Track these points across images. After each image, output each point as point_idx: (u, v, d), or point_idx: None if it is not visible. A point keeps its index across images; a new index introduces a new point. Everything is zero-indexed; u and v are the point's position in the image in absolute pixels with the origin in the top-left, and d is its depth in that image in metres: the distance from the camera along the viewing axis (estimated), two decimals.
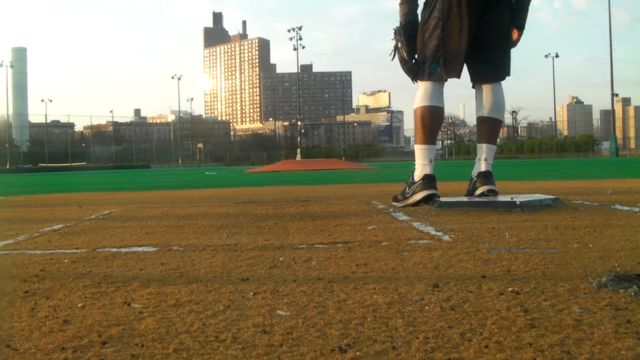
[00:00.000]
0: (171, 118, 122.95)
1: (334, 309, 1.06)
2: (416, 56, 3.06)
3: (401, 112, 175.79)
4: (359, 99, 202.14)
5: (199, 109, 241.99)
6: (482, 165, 3.15)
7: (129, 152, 69.39)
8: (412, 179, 3.06)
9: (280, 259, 1.61)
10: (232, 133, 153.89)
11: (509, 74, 3.12)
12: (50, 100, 67.79)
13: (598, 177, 7.45)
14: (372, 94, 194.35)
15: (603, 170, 10.60)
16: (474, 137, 21.50)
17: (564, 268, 1.38)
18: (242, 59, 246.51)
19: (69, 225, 2.60)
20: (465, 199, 3.05)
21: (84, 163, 51.03)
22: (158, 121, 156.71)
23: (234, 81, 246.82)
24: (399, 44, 3.06)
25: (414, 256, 1.59)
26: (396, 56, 3.10)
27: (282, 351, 0.84)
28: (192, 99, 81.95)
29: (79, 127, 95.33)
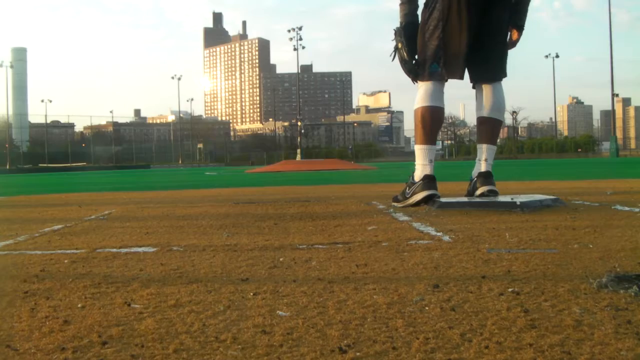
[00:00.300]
0: (171, 118, 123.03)
1: (334, 310, 1.06)
2: (416, 57, 3.07)
3: (401, 113, 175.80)
4: (359, 99, 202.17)
5: (199, 109, 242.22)
6: (482, 166, 3.15)
7: (129, 152, 69.37)
8: (413, 179, 3.06)
9: (281, 259, 1.60)
10: (232, 133, 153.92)
11: (505, 75, 3.13)
12: (50, 101, 67.88)
13: (598, 177, 7.45)
14: (372, 94, 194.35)
15: (603, 171, 10.60)
16: (474, 138, 21.51)
17: (564, 268, 1.38)
18: (242, 59, 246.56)
19: (69, 226, 2.60)
20: (465, 199, 3.04)
21: (84, 163, 51.04)
22: (158, 121, 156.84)
23: (234, 81, 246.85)
24: (400, 45, 3.06)
25: (414, 256, 1.59)
26: (396, 57, 3.11)
27: (282, 351, 0.84)
28: (192, 99, 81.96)
29: (79, 128, 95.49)
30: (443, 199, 2.95)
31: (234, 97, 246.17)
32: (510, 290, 1.17)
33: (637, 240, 1.76)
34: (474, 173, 3.22)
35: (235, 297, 1.18)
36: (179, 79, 70.00)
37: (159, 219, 2.85)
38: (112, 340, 0.91)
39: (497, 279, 1.27)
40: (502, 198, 2.91)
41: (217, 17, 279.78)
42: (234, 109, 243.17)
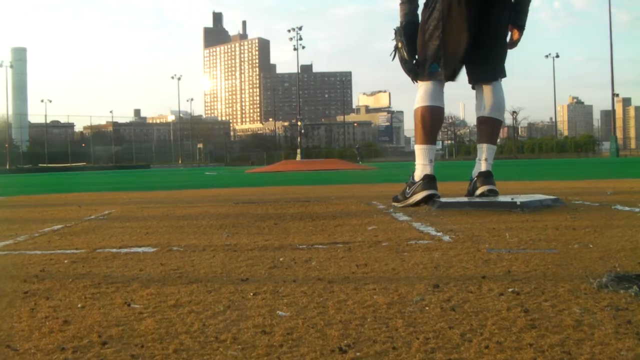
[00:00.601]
0: (171, 118, 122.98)
1: (334, 310, 1.06)
2: (417, 56, 3.07)
3: (401, 112, 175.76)
4: (359, 99, 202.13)
5: (199, 109, 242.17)
6: (482, 165, 3.15)
7: (128, 152, 69.35)
8: (413, 179, 3.06)
9: (281, 259, 1.60)
10: (232, 133, 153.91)
11: (505, 75, 3.14)
12: (50, 101, 67.88)
13: (598, 177, 7.45)
14: (372, 94, 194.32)
15: (603, 171, 10.60)
16: (474, 137, 21.51)
17: (564, 268, 1.38)
18: (242, 59, 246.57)
19: (69, 226, 2.60)
20: (465, 199, 3.04)
21: (84, 163, 51.01)
22: (158, 121, 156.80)
23: (234, 81, 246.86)
24: (400, 44, 3.07)
25: (414, 256, 1.59)
26: (396, 56, 3.11)
27: (282, 352, 0.84)
28: (192, 99, 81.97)
29: (78, 127, 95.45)
30: (443, 199, 2.95)
31: (234, 97, 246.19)
32: (510, 290, 1.17)
33: (638, 240, 1.76)
34: (474, 173, 3.22)
35: (235, 297, 1.18)
36: (179, 79, 70.01)
37: (159, 219, 2.85)
38: (112, 340, 0.91)
39: (497, 279, 1.27)
40: (502, 198, 2.91)
41: (217, 17, 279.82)
42: (234, 109, 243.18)
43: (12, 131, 68.03)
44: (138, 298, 1.19)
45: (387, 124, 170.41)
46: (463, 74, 3.08)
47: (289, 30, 54.93)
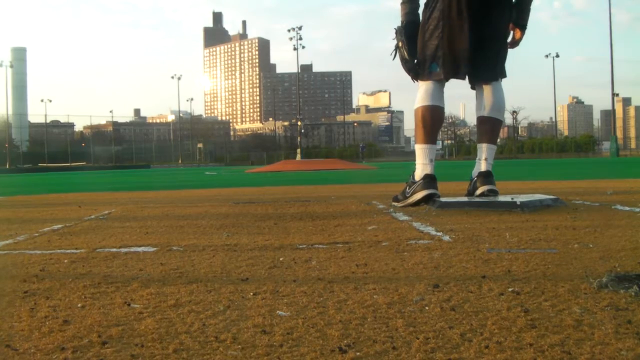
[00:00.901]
0: (171, 118, 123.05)
1: (334, 309, 1.06)
2: (417, 56, 3.07)
3: (401, 112, 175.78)
4: (359, 99, 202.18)
5: (199, 109, 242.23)
6: (482, 165, 3.15)
7: (128, 152, 69.32)
8: (413, 178, 3.06)
9: (281, 259, 1.60)
10: (232, 133, 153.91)
11: (505, 75, 3.14)
12: (50, 100, 67.83)
13: (599, 177, 7.45)
14: (372, 94, 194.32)
15: (603, 171, 10.60)
16: (474, 137, 21.50)
17: (564, 268, 1.38)
18: (242, 59, 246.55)
19: (69, 226, 2.60)
20: (465, 199, 3.04)
21: (84, 163, 50.98)
22: (158, 121, 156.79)
23: (234, 81, 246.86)
24: (400, 44, 3.07)
25: (414, 256, 1.59)
26: (397, 55, 3.11)
27: (282, 351, 0.84)
28: (192, 99, 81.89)
29: (78, 127, 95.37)
30: (443, 199, 2.95)
31: (234, 96, 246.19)
32: (510, 290, 1.17)
33: (638, 240, 1.76)
34: (474, 172, 3.22)
35: (235, 297, 1.18)
36: (179, 78, 69.97)
37: (159, 218, 2.85)
38: (112, 340, 0.91)
39: (497, 279, 1.27)
40: (502, 198, 2.91)
41: (217, 17, 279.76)
42: (234, 108, 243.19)
43: (12, 131, 68.00)
44: (138, 298, 1.19)
45: (387, 123, 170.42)
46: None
47: (289, 30, 54.92)
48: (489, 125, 3.17)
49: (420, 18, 3.07)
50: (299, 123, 59.00)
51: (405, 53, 3.06)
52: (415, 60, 3.08)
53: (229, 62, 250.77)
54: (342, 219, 2.60)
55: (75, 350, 0.87)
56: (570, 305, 1.04)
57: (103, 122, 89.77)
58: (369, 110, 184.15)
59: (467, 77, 3.08)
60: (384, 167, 20.85)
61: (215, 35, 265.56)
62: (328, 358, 0.81)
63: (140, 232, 2.31)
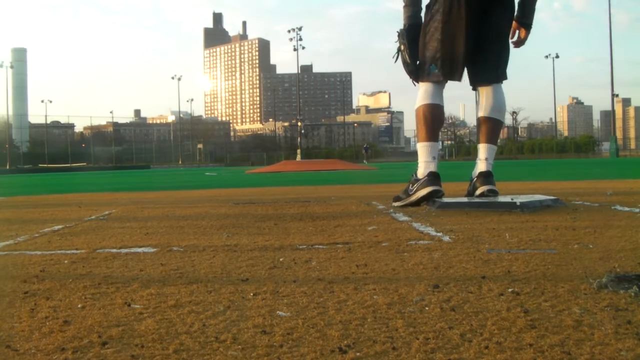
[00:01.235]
0: (171, 118, 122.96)
1: (334, 310, 1.06)
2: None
3: (401, 113, 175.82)
4: (359, 99, 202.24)
5: (199, 110, 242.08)
6: (482, 165, 3.15)
7: (129, 152, 69.35)
8: (416, 176, 3.05)
9: (281, 259, 1.60)
10: (232, 134, 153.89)
11: (506, 78, 3.15)
12: (50, 101, 67.95)
13: (598, 177, 7.44)
14: (372, 94, 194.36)
15: (603, 171, 10.60)
16: (474, 138, 21.53)
17: (564, 269, 1.38)
18: (242, 60, 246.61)
19: (69, 226, 2.60)
20: (465, 199, 3.04)
21: (84, 163, 51.00)
22: (158, 122, 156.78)
23: (234, 82, 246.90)
24: (402, 47, 3.10)
25: (414, 257, 1.59)
26: (399, 58, 3.14)
27: (282, 352, 0.84)
28: (192, 100, 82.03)
29: (79, 128, 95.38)
30: (443, 200, 2.95)
31: (234, 97, 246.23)
32: (510, 290, 1.17)
33: (637, 240, 1.76)
34: (474, 173, 3.23)
35: (235, 297, 1.18)
36: (179, 79, 70.01)
37: (159, 219, 2.85)
38: (112, 340, 0.91)
39: (497, 279, 1.27)
40: (502, 198, 2.91)
41: (217, 18, 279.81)
42: (234, 109, 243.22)
43: (12, 131, 67.98)
44: (138, 298, 1.19)
45: (387, 124, 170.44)
46: (464, 77, 3.09)
47: (289, 31, 54.96)
48: (489, 126, 3.17)
49: (422, 21, 3.09)
50: (299, 124, 58.98)
51: (407, 57, 3.08)
52: (418, 62, 3.10)
53: (229, 62, 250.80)
54: (342, 219, 2.60)
55: (75, 350, 0.87)
56: (570, 306, 1.04)
57: (103, 122, 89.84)
58: (369, 110, 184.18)
59: (468, 78, 3.10)
60: (384, 167, 20.86)
61: (215, 36, 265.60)
62: (328, 358, 0.82)
63: (140, 232, 2.31)
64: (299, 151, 44.35)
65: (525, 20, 3.09)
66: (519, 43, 3.15)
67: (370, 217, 2.68)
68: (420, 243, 1.82)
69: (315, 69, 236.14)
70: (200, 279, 1.36)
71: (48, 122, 74.12)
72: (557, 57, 63.36)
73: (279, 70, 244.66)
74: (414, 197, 3.00)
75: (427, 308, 1.05)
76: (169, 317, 1.04)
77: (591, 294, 1.12)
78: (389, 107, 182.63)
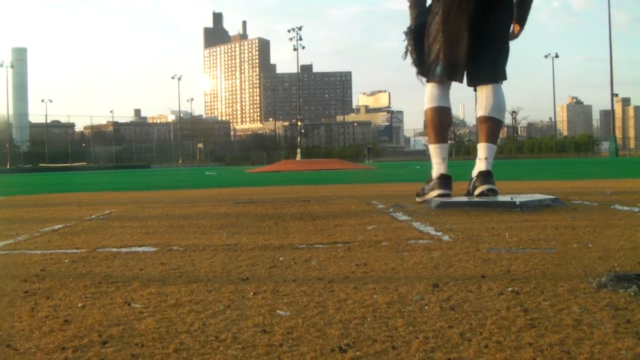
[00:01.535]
0: (171, 118, 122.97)
1: (334, 309, 1.06)
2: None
3: (401, 112, 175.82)
4: (358, 99, 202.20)
5: (199, 109, 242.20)
6: (482, 165, 3.16)
7: (129, 152, 69.33)
8: (431, 176, 3.20)
9: (280, 258, 1.61)
10: (232, 133, 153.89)
11: (505, 78, 3.18)
12: (51, 101, 67.90)
13: (598, 177, 7.44)
14: (372, 94, 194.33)
15: (603, 170, 10.60)
16: (474, 138, 21.57)
17: (563, 268, 1.38)
18: (242, 59, 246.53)
19: (70, 225, 2.60)
20: (465, 198, 3.05)
21: (84, 163, 51.00)
22: (158, 121, 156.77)
23: (234, 81, 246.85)
24: (409, 47, 3.20)
25: (413, 256, 1.59)
26: (407, 56, 3.24)
27: (282, 351, 0.84)
28: (192, 99, 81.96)
29: (79, 127, 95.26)
30: (443, 199, 2.96)
31: (234, 97, 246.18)
32: (509, 289, 1.17)
33: (637, 239, 1.76)
34: (474, 172, 3.23)
35: (235, 296, 1.18)
36: (179, 79, 69.97)
37: (159, 218, 2.85)
38: (113, 339, 0.91)
39: (496, 279, 1.27)
40: (501, 198, 2.92)
41: (217, 17, 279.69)
42: (234, 108, 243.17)
43: (13, 131, 67.95)
44: (138, 297, 1.19)
45: (387, 123, 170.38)
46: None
47: (289, 31, 54.92)
48: (489, 125, 3.18)
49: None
50: (299, 123, 58.95)
51: (415, 57, 3.19)
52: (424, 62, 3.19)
53: (229, 62, 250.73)
54: (342, 218, 2.60)
55: (75, 349, 0.87)
56: (570, 305, 1.04)
57: (103, 122, 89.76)
58: (368, 110, 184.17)
59: (468, 78, 3.14)
60: (384, 167, 20.85)
61: (215, 35, 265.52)
62: (328, 357, 0.82)
63: (140, 231, 2.31)
64: (298, 151, 44.35)
65: (519, 17, 3.18)
66: (513, 37, 3.24)
67: (370, 216, 2.68)
68: (420, 242, 1.82)
69: (315, 69, 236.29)
70: (200, 278, 1.37)
71: (48, 121, 74.13)
72: (557, 56, 63.32)
73: (279, 70, 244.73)
74: (427, 197, 3.18)
75: (426, 307, 1.05)
76: (169, 316, 1.04)
77: (590, 293, 1.12)
78: (388, 107, 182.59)
